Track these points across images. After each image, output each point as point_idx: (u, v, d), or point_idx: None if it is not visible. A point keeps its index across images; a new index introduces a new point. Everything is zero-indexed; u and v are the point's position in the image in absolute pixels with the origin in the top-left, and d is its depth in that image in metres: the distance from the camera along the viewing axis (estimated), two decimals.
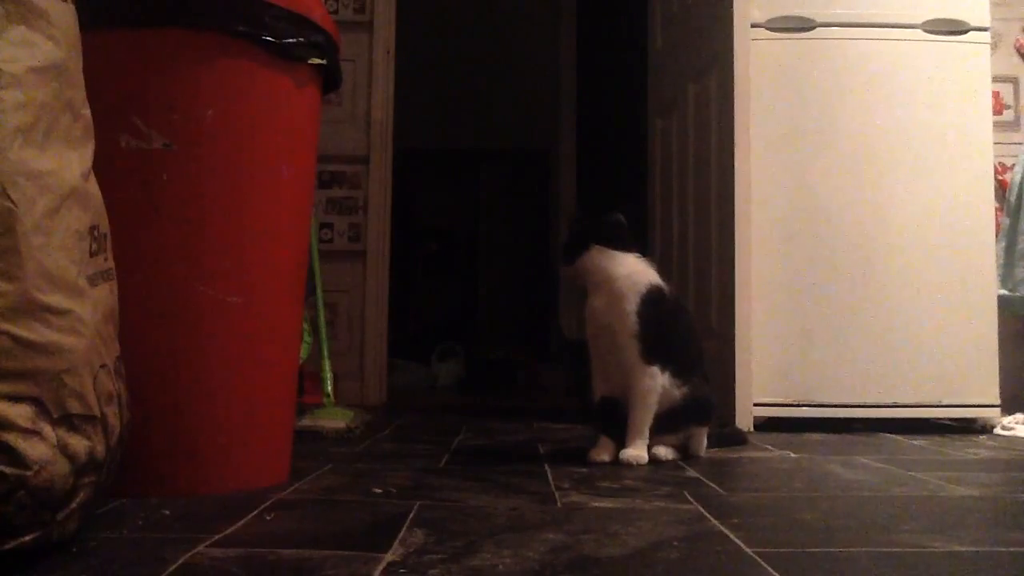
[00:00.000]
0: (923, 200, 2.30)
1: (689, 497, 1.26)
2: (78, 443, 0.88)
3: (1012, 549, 0.97)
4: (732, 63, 2.28)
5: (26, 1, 0.87)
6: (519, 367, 4.27)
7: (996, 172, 2.60)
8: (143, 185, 1.22)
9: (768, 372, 2.25)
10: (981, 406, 2.27)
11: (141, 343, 1.17)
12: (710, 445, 1.75)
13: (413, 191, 5.66)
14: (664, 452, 1.65)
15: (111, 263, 1.02)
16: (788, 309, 2.28)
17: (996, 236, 2.48)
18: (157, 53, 1.23)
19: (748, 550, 0.94)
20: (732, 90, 2.27)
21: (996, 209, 2.57)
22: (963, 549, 0.96)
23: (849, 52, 2.33)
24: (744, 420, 2.18)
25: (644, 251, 1.69)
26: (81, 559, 0.87)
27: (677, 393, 1.63)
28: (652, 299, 1.61)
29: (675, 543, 0.97)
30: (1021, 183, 2.67)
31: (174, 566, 0.84)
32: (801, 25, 2.34)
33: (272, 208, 1.34)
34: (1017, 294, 2.57)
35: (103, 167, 1.01)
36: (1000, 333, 2.30)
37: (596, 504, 1.21)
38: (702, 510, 1.17)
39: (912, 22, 2.33)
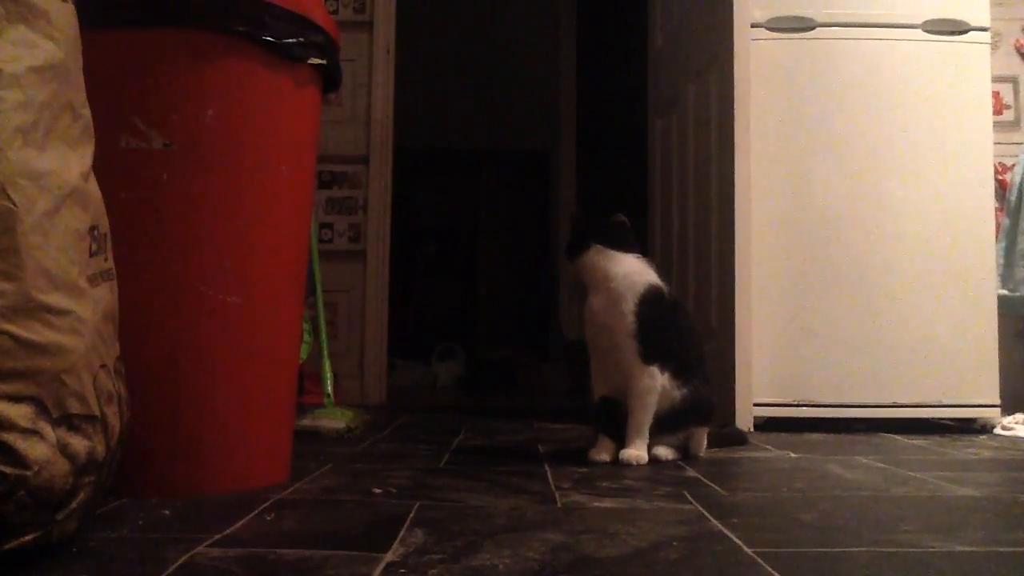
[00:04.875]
0: (923, 200, 2.30)
1: (689, 497, 1.26)
2: (78, 443, 0.88)
3: (1012, 549, 0.97)
4: (732, 63, 2.28)
5: (26, 1, 0.87)
6: (519, 367, 4.27)
7: (996, 172, 2.60)
8: (143, 185, 1.22)
9: (768, 372, 2.25)
10: (981, 406, 2.27)
11: (141, 343, 1.17)
12: (710, 445, 1.75)
13: (413, 191, 5.65)
14: (664, 452, 1.65)
15: (111, 263, 1.02)
16: (788, 309, 2.28)
17: (996, 236, 2.48)
18: (157, 53, 1.23)
19: (748, 550, 0.94)
20: (732, 90, 2.27)
21: (996, 209, 2.57)
22: (963, 549, 0.96)
23: (849, 52, 2.33)
24: (744, 420, 2.18)
25: (645, 252, 1.69)
26: (81, 559, 0.87)
27: (677, 393, 1.63)
28: (650, 299, 1.61)
29: (675, 543, 0.97)
30: (1021, 183, 2.67)
31: (174, 566, 0.84)
32: (801, 25, 2.34)
33: (272, 208, 1.34)
34: (1017, 294, 2.57)
35: (103, 167, 1.01)
36: (1000, 333, 2.30)
37: (596, 504, 1.21)
38: (702, 510, 1.17)
39: (912, 22, 2.33)
